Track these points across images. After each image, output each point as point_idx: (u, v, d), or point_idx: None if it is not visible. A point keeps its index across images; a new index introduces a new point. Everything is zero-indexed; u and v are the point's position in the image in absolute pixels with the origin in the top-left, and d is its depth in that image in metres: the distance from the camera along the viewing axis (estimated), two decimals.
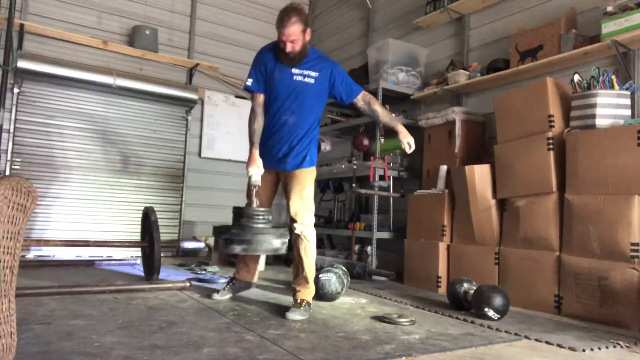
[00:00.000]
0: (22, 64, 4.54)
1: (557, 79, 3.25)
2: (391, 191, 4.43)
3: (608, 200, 2.69)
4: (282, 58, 2.62)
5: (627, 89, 2.89)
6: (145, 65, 5.48)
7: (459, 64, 4.26)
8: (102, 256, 4.72)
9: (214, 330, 2.14)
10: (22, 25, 4.68)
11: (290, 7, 2.54)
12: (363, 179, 4.56)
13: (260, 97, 2.69)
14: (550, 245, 2.97)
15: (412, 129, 3.19)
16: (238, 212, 2.55)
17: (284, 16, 2.50)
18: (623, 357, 2.03)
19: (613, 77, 2.88)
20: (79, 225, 4.91)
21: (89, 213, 4.99)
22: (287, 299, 2.86)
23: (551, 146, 3.01)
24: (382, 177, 4.32)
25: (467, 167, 3.45)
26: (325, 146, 5.05)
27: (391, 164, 4.37)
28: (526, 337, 2.27)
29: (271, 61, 2.66)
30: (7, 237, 1.33)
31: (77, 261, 4.44)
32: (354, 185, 4.32)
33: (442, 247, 3.63)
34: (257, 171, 2.60)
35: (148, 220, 3.46)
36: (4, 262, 1.33)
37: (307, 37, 2.60)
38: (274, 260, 4.97)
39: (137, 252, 4.79)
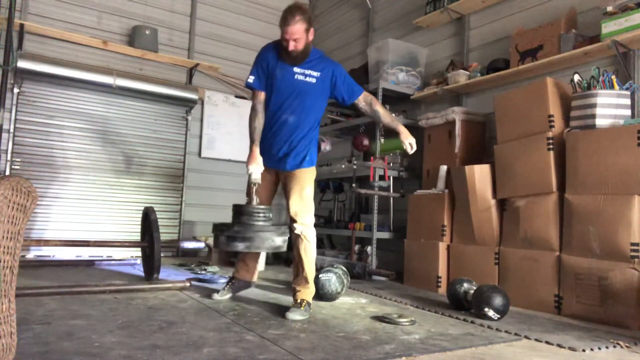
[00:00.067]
0: (22, 64, 4.54)
1: (557, 79, 3.25)
2: (391, 191, 4.43)
3: (608, 200, 2.68)
4: (284, 57, 2.62)
5: (627, 89, 2.89)
6: (145, 65, 5.48)
7: (459, 64, 4.26)
8: (102, 256, 4.72)
9: (214, 330, 2.14)
10: (22, 25, 4.69)
11: (295, 6, 2.55)
12: (363, 179, 4.56)
13: (262, 95, 2.70)
14: (550, 245, 2.97)
15: (412, 129, 3.19)
16: (239, 210, 2.55)
17: (288, 15, 2.51)
18: (623, 357, 2.03)
19: (613, 77, 2.88)
20: (79, 225, 4.91)
21: (89, 213, 4.99)
22: (287, 299, 2.85)
23: (551, 146, 3.01)
24: (382, 177, 4.32)
25: (467, 167, 3.45)
26: (325, 146, 5.05)
27: (391, 164, 4.37)
28: (526, 337, 2.27)
29: (273, 59, 2.66)
30: (7, 237, 1.33)
31: (77, 261, 4.44)
32: (354, 185, 4.32)
33: (442, 247, 3.63)
34: (257, 169, 2.60)
35: (148, 220, 3.46)
36: (4, 262, 1.33)
37: (310, 37, 2.60)
38: (274, 260, 4.97)
39: (137, 252, 4.79)
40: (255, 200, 2.58)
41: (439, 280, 3.59)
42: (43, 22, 4.90)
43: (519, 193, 3.19)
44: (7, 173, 4.60)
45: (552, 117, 3.06)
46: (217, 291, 2.93)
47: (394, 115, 3.93)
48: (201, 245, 5.30)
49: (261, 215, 2.53)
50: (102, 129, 5.16)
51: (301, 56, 2.62)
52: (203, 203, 5.69)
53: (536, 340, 2.22)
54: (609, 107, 2.83)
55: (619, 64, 3.10)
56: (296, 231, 2.66)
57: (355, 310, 2.78)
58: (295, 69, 2.65)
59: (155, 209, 3.55)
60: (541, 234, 3.02)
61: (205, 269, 4.19)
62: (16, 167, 4.72)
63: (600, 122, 2.82)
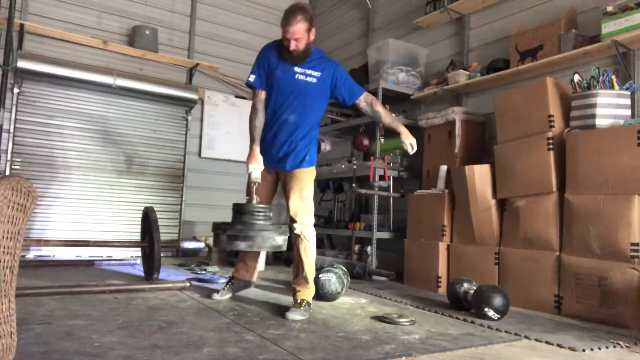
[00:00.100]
0: (22, 64, 4.54)
1: (557, 79, 3.25)
2: (391, 191, 4.43)
3: (608, 200, 2.69)
4: (285, 56, 2.63)
5: (627, 89, 2.89)
6: (145, 65, 5.48)
7: (459, 64, 4.26)
8: (102, 256, 4.72)
9: (214, 330, 2.14)
10: (22, 25, 4.68)
11: (297, 6, 2.56)
12: (363, 179, 4.56)
13: (262, 94, 2.70)
14: (550, 245, 2.97)
15: (412, 129, 3.19)
16: (241, 209, 2.55)
17: (290, 14, 2.51)
18: (623, 357, 2.03)
19: (613, 77, 2.88)
20: (79, 225, 4.91)
21: (89, 213, 4.99)
22: (287, 299, 2.85)
23: (551, 146, 3.01)
24: (382, 177, 4.32)
25: (467, 167, 3.45)
26: (325, 146, 5.05)
27: (391, 164, 4.37)
28: (526, 337, 2.27)
29: (274, 58, 2.66)
30: (7, 237, 1.33)
31: (77, 261, 4.44)
32: (354, 185, 4.32)
33: (442, 247, 3.63)
34: (257, 168, 2.60)
35: (148, 220, 3.46)
36: (4, 262, 1.33)
37: (312, 37, 2.60)
38: (274, 260, 4.97)
39: (137, 252, 4.79)
40: (255, 199, 2.59)
41: (439, 280, 3.59)
42: (43, 22, 4.90)
43: (519, 193, 3.19)
44: (7, 173, 4.60)
45: (552, 117, 3.06)
46: (217, 291, 2.93)
47: (394, 115, 3.93)
48: (201, 245, 5.30)
49: (263, 214, 2.53)
50: (102, 129, 5.16)
51: (302, 56, 2.62)
52: (203, 203, 5.69)
53: (536, 340, 2.22)
54: (609, 107, 2.83)
55: (619, 64, 3.10)
56: (296, 231, 2.66)
57: (355, 310, 2.78)
58: (296, 69, 2.65)
59: (155, 209, 3.55)
60: (541, 234, 3.02)
61: (205, 269, 4.19)
62: (16, 167, 4.72)
63: (600, 122, 2.82)
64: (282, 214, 5.79)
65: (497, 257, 3.27)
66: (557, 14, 3.56)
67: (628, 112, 2.85)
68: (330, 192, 5.39)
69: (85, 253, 4.70)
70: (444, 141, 3.98)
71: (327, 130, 5.17)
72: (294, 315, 2.45)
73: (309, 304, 2.60)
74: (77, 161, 5.01)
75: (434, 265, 3.63)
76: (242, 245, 2.44)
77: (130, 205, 5.19)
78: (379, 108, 2.82)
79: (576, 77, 3.02)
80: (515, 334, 2.31)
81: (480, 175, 3.41)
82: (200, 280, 3.58)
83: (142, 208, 3.69)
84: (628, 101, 2.87)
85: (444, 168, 3.83)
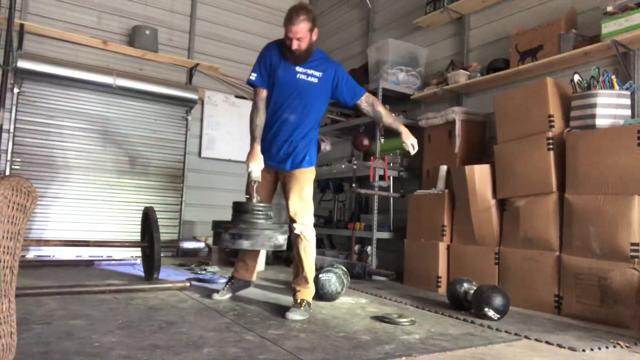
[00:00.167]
0: (22, 64, 4.54)
1: (557, 79, 3.25)
2: (391, 191, 4.43)
3: (608, 200, 2.68)
4: (287, 55, 2.63)
5: (627, 89, 2.89)
6: (145, 65, 5.48)
7: (459, 64, 4.26)
8: (102, 256, 4.72)
9: (214, 330, 2.14)
10: (22, 25, 4.68)
11: (300, 6, 2.56)
12: (363, 179, 4.56)
13: (264, 93, 2.70)
14: (550, 245, 2.97)
15: (412, 129, 3.19)
16: (242, 208, 2.55)
17: (293, 14, 2.51)
18: (623, 357, 2.03)
19: (613, 77, 2.88)
20: (79, 225, 4.91)
21: (89, 213, 4.99)
22: (287, 299, 2.86)
23: (551, 146, 3.01)
24: (382, 177, 4.32)
25: (467, 167, 3.45)
26: (325, 146, 5.05)
27: (391, 164, 4.37)
28: (526, 337, 2.27)
29: (276, 58, 2.66)
30: (7, 237, 1.33)
31: (77, 261, 4.44)
32: (354, 185, 4.32)
33: (442, 247, 3.63)
34: (257, 167, 2.60)
35: (148, 220, 3.46)
36: (4, 262, 1.33)
37: (314, 37, 2.60)
38: (274, 260, 4.98)
39: (137, 252, 4.79)
40: (255, 198, 2.59)
41: (439, 280, 3.59)
42: (43, 22, 4.90)
43: (519, 193, 3.19)
44: (7, 173, 4.60)
45: (552, 117, 3.06)
46: (217, 291, 2.93)
47: (394, 115, 3.92)
48: (201, 245, 5.30)
49: (264, 213, 2.54)
50: (102, 129, 5.16)
51: (304, 56, 2.62)
52: (203, 203, 5.69)
53: (536, 340, 2.22)
54: (609, 107, 2.83)
55: (619, 64, 3.10)
56: (296, 231, 2.66)
57: (355, 310, 2.78)
58: (298, 69, 2.65)
59: (155, 209, 3.55)
60: (541, 234, 3.02)
61: (205, 269, 4.19)
62: (16, 167, 4.72)
63: (600, 122, 2.82)
64: (282, 214, 5.79)
65: (497, 257, 3.27)
66: (557, 14, 3.56)
67: (628, 112, 2.85)
68: (330, 192, 5.39)
69: (85, 253, 4.70)
70: (444, 141, 3.98)
71: (327, 130, 5.17)
72: (294, 315, 2.45)
73: (309, 304, 2.60)
74: (77, 161, 5.01)
75: (434, 265, 3.63)
76: (245, 244, 2.45)
77: (130, 205, 5.19)
78: (380, 108, 2.83)
79: (576, 77, 3.02)
80: (515, 334, 2.31)
81: (480, 175, 3.41)
82: (200, 280, 3.58)
83: (142, 208, 3.69)
84: (628, 101, 2.87)
85: (444, 168, 3.83)
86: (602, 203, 2.70)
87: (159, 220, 3.46)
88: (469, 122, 3.91)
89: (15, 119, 4.71)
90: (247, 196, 2.69)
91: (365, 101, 2.80)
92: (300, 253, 2.67)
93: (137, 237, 4.56)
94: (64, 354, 1.69)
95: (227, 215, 2.70)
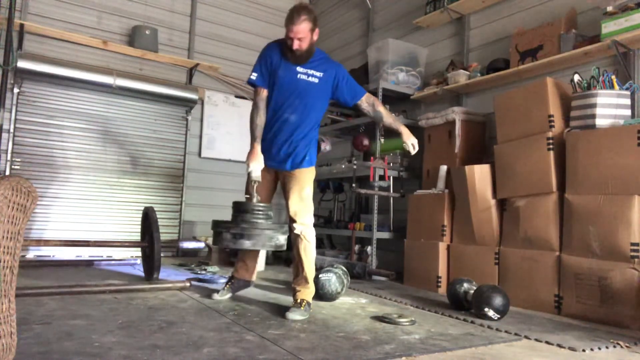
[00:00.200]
0: (22, 64, 4.54)
1: (557, 79, 3.25)
2: (391, 191, 4.43)
3: (608, 200, 2.68)
4: (288, 55, 2.63)
5: (627, 89, 2.89)
6: (145, 65, 5.48)
7: (459, 64, 4.26)
8: (102, 256, 4.72)
9: (214, 330, 2.14)
10: (22, 25, 4.68)
11: (301, 6, 2.57)
12: (363, 179, 4.56)
13: (264, 92, 2.70)
14: (550, 245, 2.97)
15: (412, 129, 3.19)
16: (243, 207, 2.55)
17: (294, 13, 2.52)
18: (623, 357, 2.03)
19: (613, 77, 2.88)
20: (79, 225, 4.91)
21: (89, 213, 4.99)
22: (287, 299, 2.86)
23: (551, 146, 3.01)
24: (382, 177, 4.32)
25: (467, 167, 3.45)
26: (325, 146, 5.05)
27: (391, 164, 4.37)
28: (526, 337, 2.27)
29: (277, 57, 2.66)
30: (7, 237, 1.33)
31: (77, 261, 4.44)
32: (354, 185, 4.32)
33: (442, 247, 3.63)
34: (257, 167, 2.60)
35: (148, 220, 3.46)
36: (4, 262, 1.33)
37: (315, 37, 2.60)
38: (274, 260, 4.98)
39: (137, 252, 4.79)
40: (256, 198, 2.59)
41: (439, 280, 3.59)
42: (43, 22, 4.90)
43: (519, 193, 3.19)
44: (7, 173, 4.60)
45: (552, 117, 3.06)
46: (217, 291, 2.93)
47: (394, 115, 3.92)
48: (201, 245, 5.30)
49: (265, 213, 2.54)
50: (102, 129, 5.16)
51: (305, 56, 2.62)
52: (203, 203, 5.69)
53: (536, 340, 2.22)
54: (609, 107, 2.83)
55: (619, 64, 3.10)
56: (296, 231, 2.66)
57: (355, 310, 2.78)
58: (299, 69, 2.65)
59: (155, 209, 3.55)
60: (541, 234, 3.02)
61: (205, 269, 4.19)
62: (16, 167, 4.72)
63: (600, 122, 2.82)
64: (282, 214, 5.79)
65: (497, 257, 3.27)
66: (557, 14, 3.56)
67: (628, 112, 2.85)
68: (330, 192, 5.39)
69: (85, 253, 4.70)
70: (444, 141, 3.98)
71: (327, 130, 5.17)
72: (294, 315, 2.45)
73: (309, 304, 2.60)
74: (77, 161, 5.01)
75: (434, 265, 3.63)
76: (247, 244, 2.45)
77: (130, 205, 5.19)
78: (381, 109, 2.83)
79: (576, 77, 3.02)
80: (515, 334, 2.31)
81: (480, 175, 3.41)
82: (200, 280, 3.58)
83: (142, 208, 3.69)
84: (628, 101, 2.87)
85: (444, 168, 3.83)
86: (602, 203, 2.70)
87: (159, 220, 3.46)
88: (469, 122, 3.91)
89: (15, 119, 4.71)
90: (247, 196, 2.69)
91: (366, 101, 2.81)
92: (300, 253, 2.67)
93: (137, 237, 4.56)
94: (64, 354, 1.69)
95: (227, 215, 2.70)
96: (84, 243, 3.53)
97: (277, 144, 2.71)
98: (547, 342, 2.18)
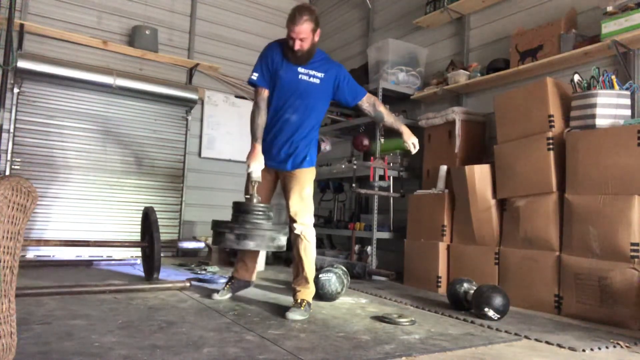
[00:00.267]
0: (22, 64, 4.54)
1: (557, 79, 3.25)
2: (391, 191, 4.43)
3: (608, 200, 2.68)
4: (289, 56, 2.62)
5: (627, 89, 2.89)
6: (145, 65, 5.48)
7: (459, 64, 4.26)
8: (102, 256, 4.72)
9: (214, 330, 2.14)
10: (22, 25, 4.68)
11: (303, 6, 2.58)
12: (363, 179, 4.55)
13: (265, 92, 2.70)
14: (550, 245, 2.97)
15: (412, 129, 3.18)
16: (244, 208, 2.55)
17: (296, 14, 2.51)
18: (623, 357, 2.03)
19: (613, 77, 2.88)
20: (79, 225, 4.91)
21: (89, 213, 4.99)
22: (287, 299, 2.86)
23: (551, 146, 3.01)
24: (382, 177, 4.32)
25: (467, 167, 3.45)
26: (325, 146, 5.05)
27: (391, 164, 4.37)
28: (526, 337, 2.27)
29: (278, 58, 2.66)
30: (7, 237, 1.33)
31: (77, 261, 4.44)
32: (354, 185, 4.32)
33: (442, 247, 3.63)
34: (258, 167, 2.60)
35: (148, 220, 3.46)
36: (4, 262, 1.33)
37: (316, 38, 2.60)
38: (274, 260, 4.98)
39: (137, 252, 4.79)
40: (256, 198, 2.59)
41: (439, 280, 3.59)
42: (43, 22, 4.90)
43: (519, 193, 3.19)
44: (7, 173, 4.60)
45: (552, 117, 3.06)
46: (217, 291, 2.93)
47: (394, 115, 3.93)
48: (201, 245, 5.30)
49: (265, 214, 2.54)
50: (102, 129, 5.16)
51: (306, 56, 2.62)
52: (203, 203, 5.69)
53: (536, 340, 2.22)
54: (609, 107, 2.83)
55: (619, 64, 3.10)
56: (296, 231, 2.66)
57: (355, 310, 2.78)
58: (300, 69, 2.65)
59: (155, 209, 3.55)
60: (541, 234, 3.02)
61: (205, 269, 4.19)
62: (16, 167, 4.72)
63: (600, 122, 2.82)
64: (282, 214, 5.79)
65: (497, 257, 3.27)
66: (557, 14, 3.56)
67: (628, 112, 2.85)
68: (330, 192, 5.39)
69: (85, 253, 4.70)
70: (444, 141, 3.98)
71: (327, 130, 5.17)
72: (294, 315, 2.45)
73: (309, 304, 2.60)
74: (77, 161, 5.01)
75: (434, 265, 3.63)
76: (250, 245, 2.45)
77: (130, 205, 5.19)
78: (381, 109, 2.84)
79: (576, 77, 3.02)
80: (515, 334, 2.31)
81: (480, 175, 3.41)
82: (200, 280, 3.58)
83: (142, 208, 3.69)
84: (628, 101, 2.87)
85: (444, 168, 3.83)
86: (602, 203, 2.70)
87: (159, 220, 3.45)
88: (469, 122, 3.91)
89: (15, 119, 4.71)
90: (247, 196, 2.69)
91: (367, 102, 2.81)
92: (301, 253, 2.67)
93: (137, 237, 4.56)
94: (64, 354, 1.69)
95: (227, 215, 2.70)
96: (84, 243, 3.53)
97: (277, 145, 2.70)
98: (547, 342, 2.18)
